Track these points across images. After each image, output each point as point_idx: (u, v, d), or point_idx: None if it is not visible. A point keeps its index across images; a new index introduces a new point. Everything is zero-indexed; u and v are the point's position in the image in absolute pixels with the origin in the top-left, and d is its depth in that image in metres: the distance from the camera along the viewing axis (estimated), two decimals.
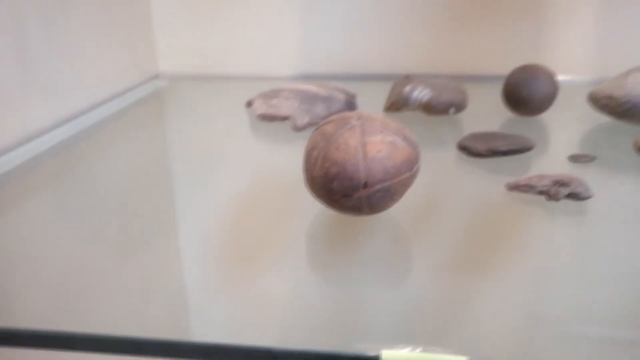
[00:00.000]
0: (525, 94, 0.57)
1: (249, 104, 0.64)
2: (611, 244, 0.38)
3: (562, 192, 0.41)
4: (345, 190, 0.36)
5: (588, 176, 0.45)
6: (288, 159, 0.49)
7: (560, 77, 0.73)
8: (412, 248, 0.41)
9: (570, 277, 0.36)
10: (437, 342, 0.29)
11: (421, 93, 0.58)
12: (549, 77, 0.58)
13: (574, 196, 0.41)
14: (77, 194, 0.49)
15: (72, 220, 0.44)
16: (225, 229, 0.42)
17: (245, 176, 0.51)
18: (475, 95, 0.65)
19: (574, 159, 0.49)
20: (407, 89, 0.59)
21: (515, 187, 0.43)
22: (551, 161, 0.51)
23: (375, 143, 0.37)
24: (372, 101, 0.65)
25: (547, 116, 0.60)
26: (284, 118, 0.58)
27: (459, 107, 0.58)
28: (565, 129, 0.60)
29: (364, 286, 0.35)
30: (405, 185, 0.38)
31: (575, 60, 0.75)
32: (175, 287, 0.36)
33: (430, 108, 0.58)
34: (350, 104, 0.60)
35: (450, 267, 0.37)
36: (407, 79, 0.62)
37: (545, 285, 0.36)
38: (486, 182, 0.47)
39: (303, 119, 0.57)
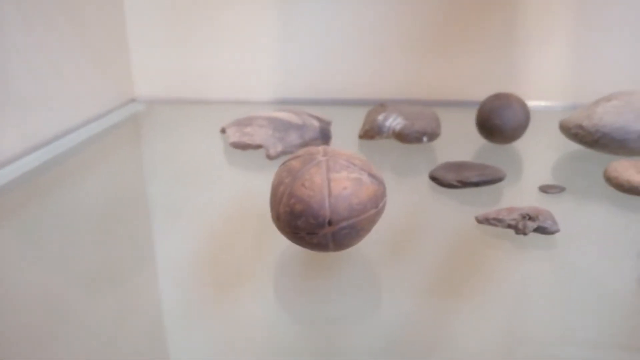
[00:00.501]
0: (498, 122, 0.58)
1: (223, 130, 0.64)
2: (579, 273, 0.39)
3: (530, 226, 0.41)
4: (310, 228, 0.36)
5: (558, 207, 0.46)
6: (261, 187, 0.49)
7: (534, 103, 0.74)
8: (381, 281, 0.40)
9: (539, 304, 0.36)
10: None
11: (394, 121, 0.59)
12: (522, 105, 0.58)
13: (541, 230, 0.41)
14: (48, 222, 0.48)
15: (41, 250, 0.44)
16: (197, 259, 0.42)
17: (219, 204, 0.51)
18: (450, 121, 0.66)
19: (544, 189, 0.49)
20: (381, 117, 0.59)
21: (484, 220, 0.43)
22: (522, 191, 0.51)
23: (340, 180, 0.36)
24: (347, 128, 0.65)
25: (519, 144, 0.61)
26: (258, 146, 0.58)
27: (432, 135, 0.59)
28: (537, 157, 0.60)
29: (332, 320, 0.35)
30: (372, 221, 0.38)
31: (549, 86, 0.76)
32: (145, 317, 0.36)
33: (403, 137, 0.58)
34: (324, 132, 0.60)
35: (419, 299, 0.36)
36: (382, 106, 0.62)
37: (514, 313, 0.35)
38: (456, 213, 0.47)
39: (276, 148, 0.57)
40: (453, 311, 0.35)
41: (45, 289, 0.39)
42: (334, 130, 0.64)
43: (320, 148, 0.40)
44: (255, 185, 0.55)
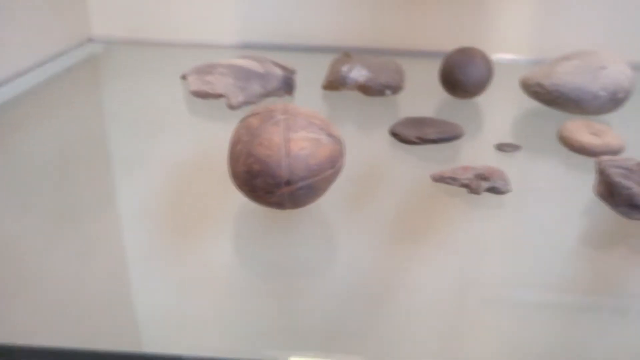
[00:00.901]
0: (461, 78, 0.58)
1: (184, 77, 0.62)
2: (528, 229, 0.41)
3: (482, 185, 0.42)
4: (267, 187, 0.36)
5: (512, 165, 0.47)
6: (222, 137, 0.49)
7: (499, 56, 0.74)
8: (338, 233, 0.41)
9: (490, 251, 0.38)
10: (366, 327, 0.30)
11: (358, 73, 0.58)
12: (485, 61, 0.59)
13: (493, 190, 0.42)
14: (3, 166, 0.47)
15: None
16: (155, 205, 0.42)
17: (178, 152, 0.51)
18: (414, 74, 0.65)
19: (501, 148, 0.50)
20: (345, 68, 0.59)
21: (439, 179, 0.44)
22: (479, 149, 0.52)
23: (298, 140, 0.37)
24: (311, 78, 0.64)
25: (481, 99, 0.61)
26: (219, 96, 0.57)
27: (395, 89, 0.59)
28: (496, 113, 0.61)
29: (288, 268, 0.36)
30: (328, 181, 0.38)
31: (514, 40, 0.76)
32: (104, 260, 0.36)
33: (366, 89, 0.58)
34: (288, 82, 0.59)
35: (374, 250, 0.38)
36: (346, 56, 0.62)
37: (466, 260, 0.37)
38: (414, 169, 0.48)
39: (237, 98, 0.56)
40: (407, 260, 0.37)
41: (3, 233, 0.39)
42: (298, 80, 0.63)
43: (280, 105, 0.39)
44: (215, 135, 0.55)
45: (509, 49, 0.76)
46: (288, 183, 0.36)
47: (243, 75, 0.57)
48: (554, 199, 0.45)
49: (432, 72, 0.63)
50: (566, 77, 0.54)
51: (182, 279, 0.35)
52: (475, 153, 0.51)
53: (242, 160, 0.37)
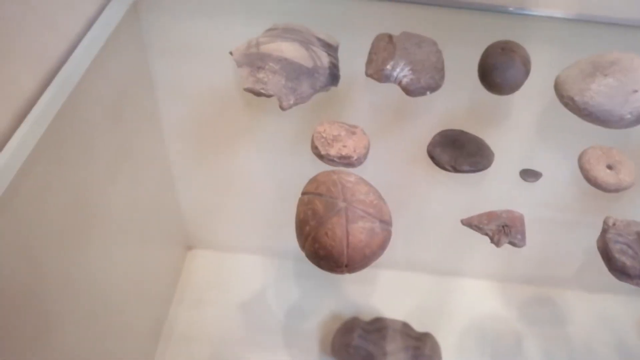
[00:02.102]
0: (498, 80, 0.61)
1: (232, 53, 0.65)
2: None
3: (503, 240, 0.50)
4: (330, 268, 0.45)
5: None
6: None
7: (536, 12, 0.73)
8: None
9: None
10: None
11: (402, 73, 0.61)
12: (524, 61, 0.61)
13: (511, 243, 0.51)
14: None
15: None
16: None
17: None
18: (455, 59, 0.66)
19: (524, 177, 0.57)
20: (389, 67, 0.61)
21: (468, 224, 0.52)
22: (505, 174, 0.58)
23: (357, 233, 0.44)
24: (353, 58, 0.65)
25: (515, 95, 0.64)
26: (271, 96, 0.60)
27: (435, 88, 0.62)
28: (527, 112, 0.64)
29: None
30: (380, 256, 0.47)
31: None
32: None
33: (408, 91, 0.61)
34: (333, 74, 0.62)
35: None
36: (389, 42, 0.63)
37: None
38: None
39: (289, 101, 0.60)
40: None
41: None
42: (341, 53, 0.65)
43: (339, 186, 0.46)
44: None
45: (547, 4, 0.74)
46: (347, 266, 0.45)
47: (293, 74, 0.60)
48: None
49: (472, 59, 0.64)
50: (598, 97, 0.58)
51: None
52: (500, 182, 0.58)
53: (310, 243, 0.45)
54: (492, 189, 0.58)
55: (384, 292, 0.72)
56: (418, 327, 0.63)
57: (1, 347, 0.42)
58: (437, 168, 0.57)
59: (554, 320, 0.71)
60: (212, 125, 0.70)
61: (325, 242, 0.44)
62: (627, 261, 0.47)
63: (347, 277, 0.64)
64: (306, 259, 0.47)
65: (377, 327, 0.65)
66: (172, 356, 0.65)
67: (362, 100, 0.63)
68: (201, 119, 0.69)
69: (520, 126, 0.63)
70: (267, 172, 0.73)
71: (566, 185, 0.58)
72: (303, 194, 0.47)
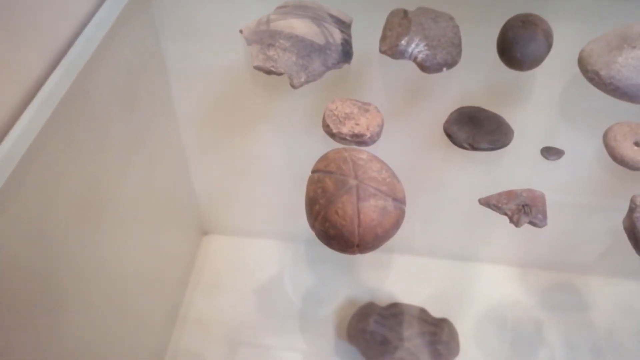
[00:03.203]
0: (518, 56, 0.58)
1: (242, 32, 0.63)
2: None
3: (522, 220, 0.48)
4: (341, 247, 0.44)
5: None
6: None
7: None
8: None
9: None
10: None
11: (417, 49, 0.58)
12: (546, 36, 0.58)
13: (531, 224, 0.49)
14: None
15: None
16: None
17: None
18: (473, 35, 0.63)
19: (545, 155, 0.54)
20: (404, 42, 0.59)
21: (485, 204, 0.50)
22: (526, 153, 0.56)
23: (368, 211, 0.42)
24: (367, 34, 0.64)
25: (537, 70, 0.61)
26: (281, 74, 0.59)
27: (452, 64, 0.59)
28: (549, 88, 0.62)
29: None
30: (393, 236, 0.45)
31: None
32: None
33: (424, 67, 0.59)
34: (346, 50, 0.60)
35: None
36: (405, 18, 0.61)
37: None
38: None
39: (300, 78, 0.58)
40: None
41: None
42: (354, 31, 0.63)
43: (350, 163, 0.44)
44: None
45: None
46: (359, 246, 0.43)
47: (304, 51, 0.58)
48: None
49: (490, 36, 0.61)
50: (625, 71, 0.55)
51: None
52: (520, 159, 0.55)
53: (320, 221, 0.44)
54: (512, 168, 0.55)
55: (400, 277, 0.70)
56: (435, 313, 0.61)
57: (16, 332, 0.42)
58: (454, 147, 0.55)
59: (575, 307, 0.68)
60: (225, 108, 0.69)
61: (336, 221, 0.43)
62: None
63: (364, 262, 0.63)
64: (320, 242, 0.45)
65: (394, 313, 0.63)
66: (188, 341, 0.65)
67: (376, 77, 0.61)
68: (214, 101, 0.68)
69: (541, 103, 0.60)
70: (280, 154, 0.71)
71: (590, 164, 0.55)
72: (313, 172, 0.46)
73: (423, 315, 0.62)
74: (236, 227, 0.77)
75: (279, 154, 0.71)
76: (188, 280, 0.71)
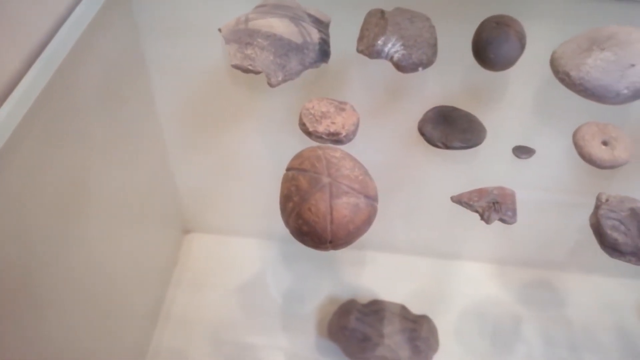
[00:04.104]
0: (492, 56, 0.59)
1: (220, 30, 0.64)
2: None
3: (492, 217, 0.49)
4: (314, 244, 0.45)
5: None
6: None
7: None
8: None
9: None
10: None
11: (393, 49, 0.59)
12: (519, 36, 0.59)
13: (501, 220, 0.50)
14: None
15: None
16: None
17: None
18: (448, 36, 0.64)
19: (516, 153, 0.55)
20: (380, 42, 0.59)
21: (458, 201, 0.51)
22: (498, 151, 0.57)
23: (341, 208, 0.43)
24: (344, 34, 0.64)
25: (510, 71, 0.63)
26: (259, 72, 0.59)
27: (427, 64, 0.60)
28: (522, 88, 0.63)
29: None
30: (365, 232, 0.46)
31: None
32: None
33: (400, 67, 0.60)
34: (323, 50, 0.61)
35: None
36: (382, 18, 0.62)
37: None
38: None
39: (277, 77, 0.59)
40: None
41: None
42: (332, 30, 0.64)
43: (324, 161, 0.45)
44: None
45: None
46: (331, 242, 0.44)
47: (282, 50, 0.59)
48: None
49: (465, 38, 0.63)
50: (594, 72, 0.56)
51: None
52: (493, 155, 0.56)
53: (293, 219, 0.44)
54: (485, 167, 0.57)
55: (381, 275, 0.71)
56: (416, 310, 0.62)
57: None
58: (428, 146, 0.56)
59: (553, 303, 0.70)
60: (205, 106, 0.69)
61: (309, 218, 0.43)
62: (619, 237, 0.46)
63: (345, 259, 0.64)
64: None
65: (374, 310, 0.64)
66: (170, 338, 0.65)
67: (353, 77, 0.62)
68: (195, 99, 0.69)
69: (514, 103, 0.62)
70: (260, 153, 0.72)
71: (561, 163, 0.57)
72: (287, 169, 0.46)
73: (403, 312, 0.63)
74: (218, 225, 0.77)
75: (259, 153, 0.72)
76: (170, 278, 0.71)
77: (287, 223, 0.45)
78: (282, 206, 0.45)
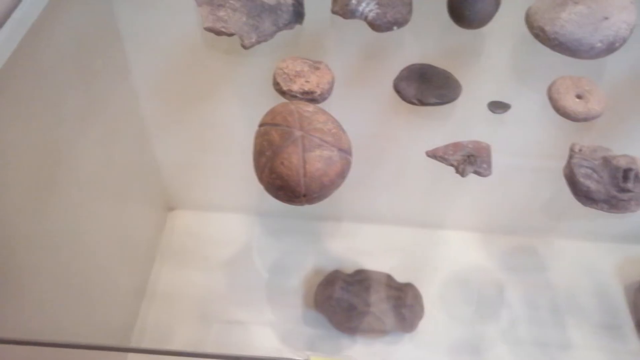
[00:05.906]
0: (467, 13, 0.59)
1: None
2: None
3: (468, 170, 0.49)
4: (288, 198, 0.44)
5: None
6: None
7: None
8: None
9: None
10: None
11: (367, 8, 0.59)
12: None
13: (476, 173, 0.50)
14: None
15: None
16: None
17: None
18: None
19: (492, 109, 0.55)
20: (354, 2, 0.59)
21: (433, 156, 0.51)
22: (474, 107, 0.57)
23: (314, 161, 0.43)
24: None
25: (486, 28, 0.62)
26: (232, 34, 0.59)
27: (402, 23, 0.60)
28: (498, 46, 0.63)
29: None
30: (339, 185, 0.46)
31: None
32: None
33: (374, 26, 0.59)
34: (297, 10, 0.60)
35: None
36: None
37: None
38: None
39: (250, 39, 0.58)
40: None
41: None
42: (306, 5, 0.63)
43: (296, 115, 0.44)
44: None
45: None
46: (305, 195, 0.44)
47: (255, 11, 0.58)
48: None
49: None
50: (568, 26, 0.56)
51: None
52: (468, 111, 0.56)
53: (266, 174, 0.44)
54: (461, 124, 0.57)
55: (366, 246, 0.71)
56: (401, 279, 0.62)
57: None
58: (405, 104, 0.56)
59: (535, 269, 0.70)
60: (181, 75, 0.68)
61: (282, 172, 0.43)
62: (592, 185, 0.46)
63: (329, 232, 0.64)
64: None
65: (359, 279, 0.64)
66: (156, 314, 0.65)
67: (328, 38, 0.62)
68: (170, 68, 0.68)
69: (490, 60, 0.61)
70: (240, 124, 0.71)
71: (536, 118, 0.57)
72: (260, 125, 0.46)
73: (388, 281, 0.63)
74: (202, 202, 0.77)
75: (239, 122, 0.71)
76: (155, 255, 0.71)
77: (260, 179, 0.45)
78: (256, 162, 0.45)
